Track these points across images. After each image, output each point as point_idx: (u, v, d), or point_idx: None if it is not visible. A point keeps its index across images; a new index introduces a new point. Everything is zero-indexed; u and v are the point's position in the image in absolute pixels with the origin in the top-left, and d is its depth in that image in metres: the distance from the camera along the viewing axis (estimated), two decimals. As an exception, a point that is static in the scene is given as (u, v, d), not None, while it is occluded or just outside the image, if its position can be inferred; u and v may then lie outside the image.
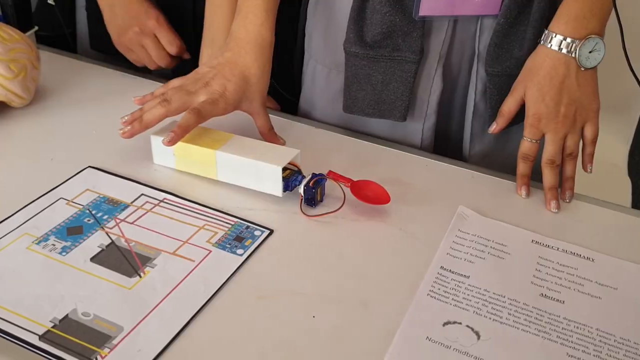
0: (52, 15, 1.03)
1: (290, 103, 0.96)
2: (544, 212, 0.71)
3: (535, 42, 0.74)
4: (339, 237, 0.64)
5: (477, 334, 0.53)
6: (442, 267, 0.61)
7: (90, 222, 0.63)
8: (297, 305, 0.55)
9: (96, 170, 0.71)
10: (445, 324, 0.54)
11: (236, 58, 0.74)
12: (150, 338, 0.50)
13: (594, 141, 0.76)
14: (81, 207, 0.65)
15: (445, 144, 0.87)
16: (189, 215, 0.65)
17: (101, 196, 0.66)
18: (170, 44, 0.92)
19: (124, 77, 0.92)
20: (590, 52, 0.71)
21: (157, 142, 0.71)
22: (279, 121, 0.84)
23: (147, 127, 0.70)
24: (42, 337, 0.49)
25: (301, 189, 0.67)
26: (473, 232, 0.66)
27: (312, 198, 0.67)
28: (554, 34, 0.71)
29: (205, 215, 0.65)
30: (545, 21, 0.74)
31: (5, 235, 0.60)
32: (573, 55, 0.71)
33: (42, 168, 0.71)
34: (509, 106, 0.75)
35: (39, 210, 0.64)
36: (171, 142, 0.67)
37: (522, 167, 0.74)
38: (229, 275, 0.57)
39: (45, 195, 0.66)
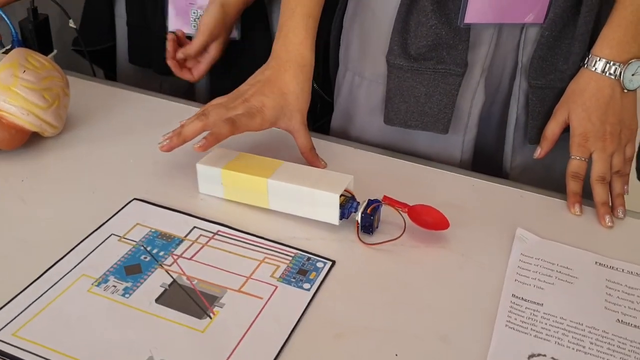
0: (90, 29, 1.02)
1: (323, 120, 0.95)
2: (599, 231, 0.70)
3: (580, 56, 0.74)
4: (402, 266, 0.62)
5: (562, 365, 0.52)
6: (514, 296, 0.59)
7: (147, 259, 0.60)
8: (377, 343, 0.53)
9: (142, 203, 0.68)
10: (530, 356, 0.53)
11: (276, 76, 0.74)
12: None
13: (631, 160, 0.76)
14: (134, 243, 0.62)
15: (484, 158, 0.86)
16: (247, 248, 0.63)
17: (153, 231, 0.64)
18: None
19: (152, 101, 0.90)
20: (632, 74, 0.72)
21: (203, 171, 0.69)
22: (315, 142, 0.83)
23: (185, 141, 0.69)
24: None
25: (358, 217, 0.65)
26: (536, 255, 0.65)
27: (370, 225, 0.66)
28: (599, 58, 0.73)
29: (263, 248, 0.63)
30: (590, 36, 0.74)
31: (64, 277, 0.57)
32: (617, 78, 0.72)
33: (85, 201, 0.68)
34: (552, 130, 0.75)
35: (92, 248, 0.61)
36: (202, 148, 0.67)
37: (573, 185, 0.73)
38: (301, 312, 0.56)
39: (96, 232, 0.63)
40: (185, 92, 1.05)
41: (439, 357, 0.53)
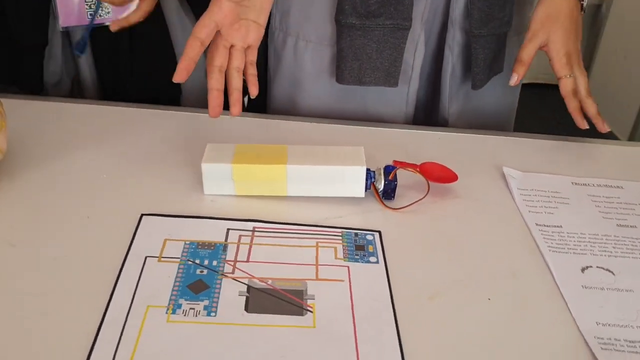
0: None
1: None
2: (560, 157, 0.80)
3: (512, 2, 0.83)
4: (439, 221, 0.65)
5: (610, 271, 0.61)
6: (537, 224, 0.66)
7: (204, 273, 0.55)
8: (467, 293, 0.56)
9: (155, 217, 0.61)
10: (582, 269, 0.60)
11: None
12: (380, 367, 0.47)
13: None
14: (178, 260, 0.56)
15: (420, 109, 0.92)
16: (293, 237, 0.60)
17: (188, 242, 0.58)
18: None
19: (84, 109, 0.79)
20: None
21: (210, 170, 0.64)
22: (274, 122, 0.82)
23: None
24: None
25: (381, 185, 0.66)
26: (529, 187, 0.72)
27: (392, 190, 0.67)
28: None
29: (308, 234, 0.61)
30: None
31: (128, 314, 0.49)
32: (581, 1, 0.81)
33: (85, 229, 0.58)
34: (529, 53, 0.80)
35: (137, 277, 0.53)
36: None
37: (574, 103, 0.80)
38: (387, 284, 0.56)
39: (128, 260, 0.55)
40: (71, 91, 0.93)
41: (522, 291, 0.57)
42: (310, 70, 0.86)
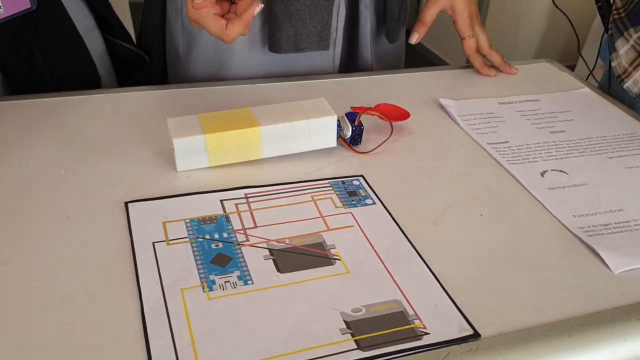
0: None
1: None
2: (479, 83, 0.87)
3: None
4: (407, 157, 0.69)
5: (563, 172, 0.68)
6: (488, 143, 0.72)
7: (220, 246, 0.53)
8: (462, 213, 0.60)
9: (140, 203, 0.57)
10: (541, 174, 0.67)
11: None
12: (425, 293, 0.50)
13: None
14: (187, 239, 0.53)
15: (344, 67, 0.94)
16: (287, 196, 0.60)
17: (188, 220, 0.55)
18: None
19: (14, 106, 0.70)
20: None
21: (182, 145, 0.61)
22: (196, 92, 0.79)
23: None
24: (362, 348, 0.44)
25: (349, 131, 0.68)
26: (467, 112, 0.78)
27: (359, 135, 0.69)
28: None
29: (300, 190, 0.61)
30: None
31: (165, 302, 0.47)
32: None
33: (71, 229, 0.54)
34: (431, 15, 0.86)
35: (154, 264, 0.50)
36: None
37: (479, 59, 0.87)
38: (392, 219, 0.58)
39: (137, 250, 0.51)
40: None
41: (503, 202, 0.62)
42: (239, 44, 0.83)
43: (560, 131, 0.76)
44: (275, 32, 0.80)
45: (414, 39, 0.88)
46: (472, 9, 0.87)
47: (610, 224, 0.60)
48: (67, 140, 0.66)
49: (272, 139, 0.64)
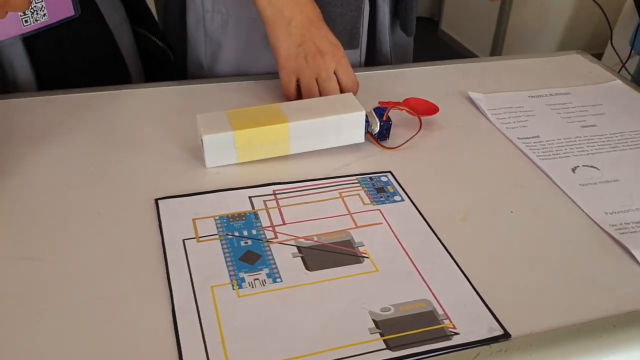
0: None
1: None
2: (508, 77, 0.86)
3: None
4: (438, 150, 0.68)
5: (595, 167, 0.67)
6: (519, 138, 0.71)
7: (249, 244, 0.53)
8: (492, 209, 0.60)
9: (170, 200, 0.58)
10: (573, 169, 0.66)
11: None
12: (455, 293, 0.50)
13: None
14: (216, 236, 0.54)
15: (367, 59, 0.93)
16: (315, 193, 0.60)
17: (217, 217, 0.56)
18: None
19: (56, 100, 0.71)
20: None
21: (212, 141, 0.61)
22: (227, 87, 0.79)
23: None
24: (392, 348, 0.44)
25: (377, 127, 0.68)
26: (497, 106, 0.77)
27: (387, 130, 0.69)
28: None
29: (328, 187, 0.61)
30: None
31: (196, 300, 0.47)
32: None
33: (101, 226, 0.54)
34: None
35: (184, 261, 0.51)
36: None
37: None
38: (420, 216, 0.58)
39: (167, 247, 0.52)
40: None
41: (533, 198, 0.62)
42: (263, 49, 0.82)
43: (592, 125, 0.75)
44: None
45: None
46: None
47: (643, 221, 0.59)
48: (97, 136, 0.67)
49: (300, 135, 0.64)
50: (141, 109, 0.73)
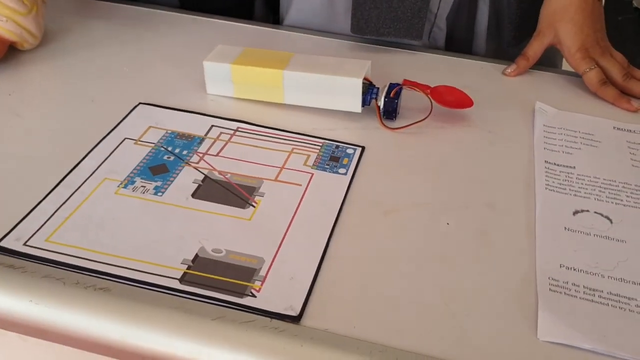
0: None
1: None
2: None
3: None
4: (434, 146, 0.61)
5: (608, 218, 0.53)
6: (546, 162, 0.59)
7: (171, 159, 0.57)
8: (427, 215, 0.53)
9: (150, 106, 0.64)
10: (575, 212, 0.54)
11: None
12: (296, 265, 0.46)
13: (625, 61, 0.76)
14: (153, 144, 0.58)
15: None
16: (271, 141, 0.60)
17: (169, 132, 0.60)
18: None
19: (128, 10, 0.84)
20: None
21: (211, 69, 0.65)
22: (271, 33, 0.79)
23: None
24: (182, 281, 0.44)
25: (381, 102, 0.63)
26: (558, 125, 0.65)
27: (394, 110, 0.64)
28: None
29: (288, 140, 0.60)
30: None
31: (85, 182, 0.53)
32: None
33: (86, 110, 0.63)
34: (535, 50, 0.73)
35: (108, 153, 0.57)
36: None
37: (609, 91, 0.70)
38: (344, 194, 0.54)
39: (107, 138, 0.59)
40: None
41: (489, 222, 0.52)
42: (320, 16, 0.80)
43: (664, 178, 0.58)
44: (355, 11, 0.75)
45: (510, 70, 0.74)
46: (586, 39, 0.70)
47: (596, 289, 0.45)
48: (146, 47, 0.75)
49: (294, 86, 0.63)
50: (196, 35, 0.78)
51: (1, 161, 0.55)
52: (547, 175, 0.58)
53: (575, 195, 0.55)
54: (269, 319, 0.42)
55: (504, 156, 0.61)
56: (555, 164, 0.59)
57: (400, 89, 0.64)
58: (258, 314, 0.42)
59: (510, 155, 0.61)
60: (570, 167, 0.59)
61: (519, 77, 0.75)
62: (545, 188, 0.56)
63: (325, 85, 0.63)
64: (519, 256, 0.49)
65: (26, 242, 0.47)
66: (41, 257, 0.45)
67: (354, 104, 0.63)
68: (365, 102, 0.63)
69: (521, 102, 0.69)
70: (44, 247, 0.46)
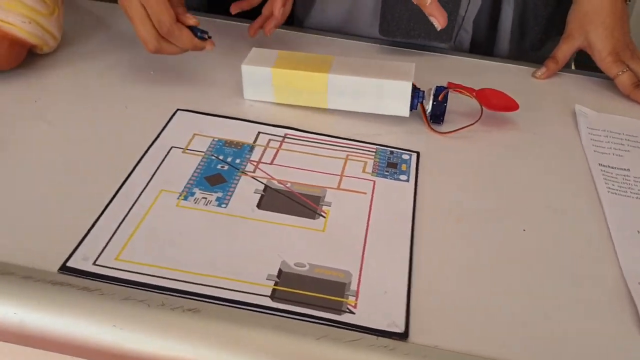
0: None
1: None
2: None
3: None
4: (487, 150, 0.60)
5: (675, 219, 0.53)
6: (601, 165, 0.59)
7: (225, 168, 0.53)
8: (498, 221, 0.51)
9: (189, 113, 0.60)
10: (643, 215, 0.53)
11: None
12: (385, 277, 0.44)
13: None
14: (202, 153, 0.55)
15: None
16: (323, 148, 0.58)
17: (216, 139, 0.57)
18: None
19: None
20: None
21: (249, 73, 0.62)
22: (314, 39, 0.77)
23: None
24: (274, 298, 0.41)
25: (429, 106, 0.62)
26: (601, 127, 0.65)
27: (441, 114, 0.62)
28: None
29: (340, 146, 0.58)
30: None
31: (140, 195, 0.49)
32: None
33: (121, 118, 0.59)
34: (564, 53, 0.73)
35: (157, 163, 0.53)
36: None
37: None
38: (412, 201, 0.52)
39: (153, 148, 0.55)
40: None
41: (564, 227, 0.51)
42: (348, 17, 0.79)
43: None
44: (385, 14, 0.74)
45: (540, 72, 0.74)
46: (617, 43, 0.71)
47: (686, 292, 0.45)
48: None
49: (339, 90, 0.61)
50: (226, 39, 0.75)
51: (41, 170, 0.51)
52: (605, 179, 0.57)
53: (637, 198, 0.55)
54: (374, 336, 0.40)
55: (556, 159, 0.60)
56: (610, 166, 0.59)
57: (448, 92, 0.62)
58: (361, 332, 0.40)
59: (559, 157, 0.60)
60: (625, 169, 0.59)
61: (548, 79, 0.75)
62: (608, 192, 0.56)
63: (373, 89, 0.61)
64: (600, 260, 0.48)
65: (95, 261, 0.43)
66: (116, 278, 0.41)
67: (403, 108, 0.61)
68: (412, 106, 0.62)
69: (557, 104, 0.69)
70: (115, 267, 0.42)
